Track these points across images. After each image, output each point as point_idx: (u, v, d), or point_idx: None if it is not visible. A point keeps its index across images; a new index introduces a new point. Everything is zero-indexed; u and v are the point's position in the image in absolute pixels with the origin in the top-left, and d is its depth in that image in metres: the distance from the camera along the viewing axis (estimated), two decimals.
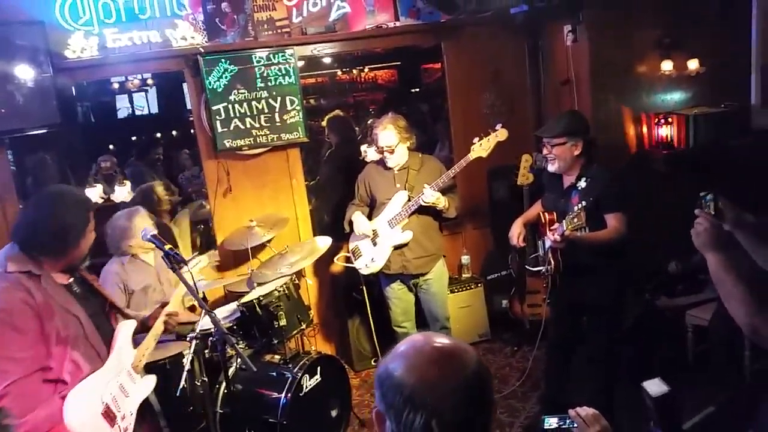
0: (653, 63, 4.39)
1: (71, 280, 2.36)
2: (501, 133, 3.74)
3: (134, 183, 6.00)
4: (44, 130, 4.02)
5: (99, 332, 2.35)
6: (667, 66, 4.32)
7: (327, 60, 7.17)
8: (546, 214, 3.32)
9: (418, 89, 8.97)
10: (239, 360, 3.58)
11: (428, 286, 4.04)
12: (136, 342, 2.54)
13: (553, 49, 4.76)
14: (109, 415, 2.26)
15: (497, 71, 4.83)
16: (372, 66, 8.97)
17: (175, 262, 2.40)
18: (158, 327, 2.56)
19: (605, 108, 4.43)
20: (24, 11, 3.95)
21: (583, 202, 2.95)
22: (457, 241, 4.96)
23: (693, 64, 4.32)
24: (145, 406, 2.55)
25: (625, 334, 3.74)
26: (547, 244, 3.28)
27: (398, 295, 4.11)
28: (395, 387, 1.15)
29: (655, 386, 1.68)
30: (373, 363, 4.70)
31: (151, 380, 2.58)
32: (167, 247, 2.40)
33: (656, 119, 4.39)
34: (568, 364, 3.59)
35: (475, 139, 3.76)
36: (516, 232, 3.59)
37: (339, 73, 8.87)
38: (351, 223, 4.06)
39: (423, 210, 3.84)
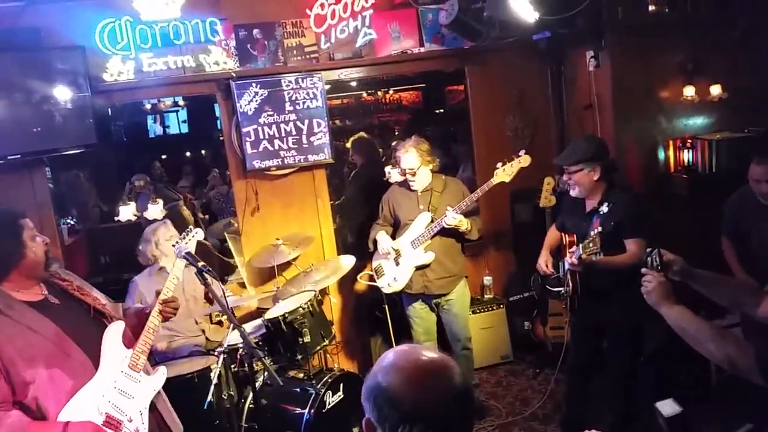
0: (676, 88, 4.42)
1: (45, 293, 2.34)
2: (524, 159, 3.81)
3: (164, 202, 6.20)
4: (81, 150, 4.19)
5: (82, 341, 2.30)
6: (689, 91, 4.36)
7: (353, 82, 7.32)
8: (567, 235, 3.38)
9: (442, 110, 9.09)
10: (265, 375, 3.69)
11: (450, 306, 4.09)
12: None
13: (575, 74, 4.83)
14: (112, 423, 2.26)
15: (520, 95, 4.91)
16: (397, 88, 9.13)
17: (206, 277, 2.49)
18: (154, 318, 2.52)
19: (627, 132, 4.48)
20: (66, 37, 4.14)
21: (599, 228, 3.02)
22: (480, 262, 5.02)
23: (716, 90, 4.35)
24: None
25: (647, 359, 3.74)
26: (566, 266, 3.33)
27: (420, 315, 4.17)
28: (390, 401, 1.20)
29: (668, 407, 1.72)
30: None
31: (161, 374, 2.55)
32: (200, 264, 2.49)
33: (679, 144, 4.42)
34: (589, 387, 3.60)
35: (499, 164, 3.83)
36: (544, 261, 3.61)
37: (364, 94, 9.04)
38: (375, 242, 4.15)
39: (446, 231, 3.91)
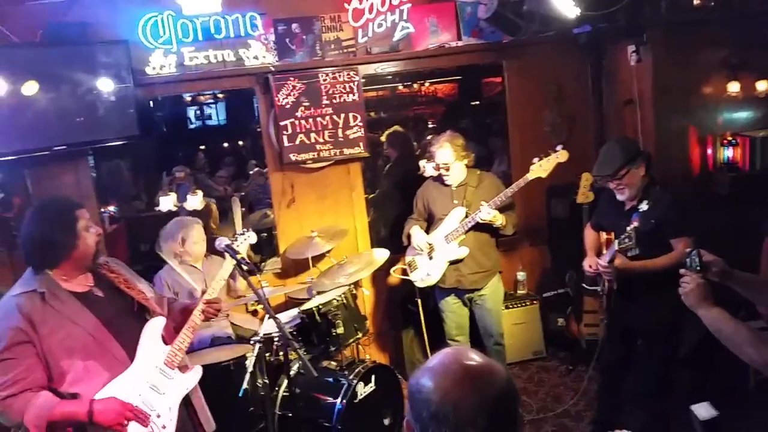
0: (719, 84, 4.33)
1: (92, 284, 2.41)
2: (561, 155, 3.77)
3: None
4: (123, 142, 4.30)
5: (121, 335, 2.37)
6: (734, 87, 4.26)
7: (389, 75, 7.31)
8: (604, 233, 3.32)
9: (478, 102, 9.01)
10: (299, 364, 3.75)
11: (483, 301, 4.09)
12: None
13: (616, 69, 4.75)
14: (139, 417, 2.29)
15: (559, 90, 4.86)
16: (433, 80, 9.08)
17: (247, 270, 2.54)
18: (196, 317, 2.55)
19: (669, 129, 4.40)
20: (110, 31, 4.25)
21: (635, 223, 2.93)
22: (514, 257, 4.99)
23: (762, 86, 4.25)
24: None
25: (683, 359, 3.67)
26: (603, 263, 3.29)
27: (453, 309, 4.17)
28: (423, 402, 1.19)
29: (703, 410, 1.71)
30: None
31: (195, 373, 2.58)
32: (239, 256, 2.55)
33: (721, 141, 4.32)
34: (622, 386, 3.56)
35: (535, 159, 3.80)
36: (588, 263, 3.50)
37: (400, 86, 9.02)
38: (409, 237, 4.17)
39: (480, 226, 3.90)
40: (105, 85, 4.09)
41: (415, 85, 9.14)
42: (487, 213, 3.76)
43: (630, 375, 3.53)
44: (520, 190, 3.90)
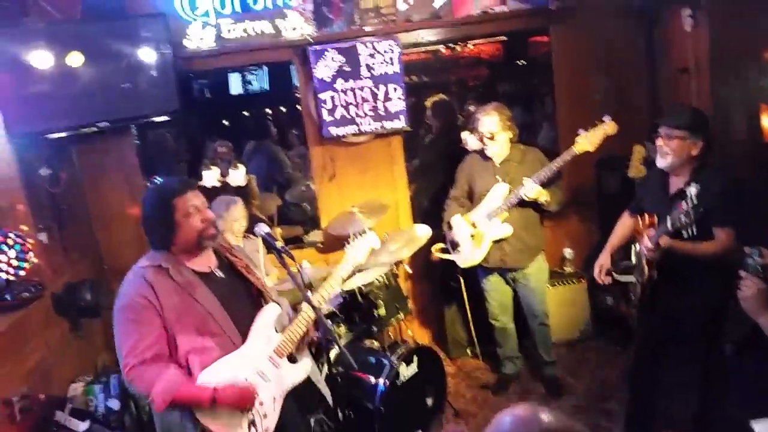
0: None
1: (213, 266, 2.48)
2: (609, 126, 3.55)
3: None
4: (165, 117, 4.28)
5: (237, 317, 2.42)
6: None
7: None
8: (647, 216, 3.05)
9: (524, 62, 8.67)
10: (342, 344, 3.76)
11: (527, 280, 3.99)
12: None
13: (670, 35, 4.44)
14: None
15: (609, 57, 4.60)
16: (476, 41, 8.76)
17: (285, 258, 2.50)
18: (308, 309, 2.55)
19: (726, 98, 4.09)
20: (148, 4, 4.22)
21: (694, 200, 2.69)
22: (560, 233, 4.81)
23: None
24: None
25: (728, 357, 3.45)
26: (642, 250, 3.07)
27: (495, 288, 4.09)
28: None
29: (765, 428, 1.59)
30: (468, 352, 4.74)
31: (304, 366, 2.58)
32: (279, 244, 2.52)
33: None
34: (657, 382, 3.33)
35: (581, 131, 3.59)
36: (600, 266, 3.35)
37: (441, 49, 8.74)
38: (450, 225, 4.07)
39: (524, 203, 3.76)
40: (145, 60, 4.04)
41: (458, 47, 8.85)
42: (531, 189, 3.63)
43: (666, 377, 3.33)
44: (566, 164, 3.73)
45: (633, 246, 3.26)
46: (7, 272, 3.14)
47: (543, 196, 3.70)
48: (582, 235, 4.85)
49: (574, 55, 4.64)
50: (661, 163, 3.03)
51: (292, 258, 2.52)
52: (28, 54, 3.68)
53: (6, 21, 3.75)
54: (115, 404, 3.62)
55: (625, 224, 3.39)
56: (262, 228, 2.58)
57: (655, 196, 3.15)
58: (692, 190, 2.82)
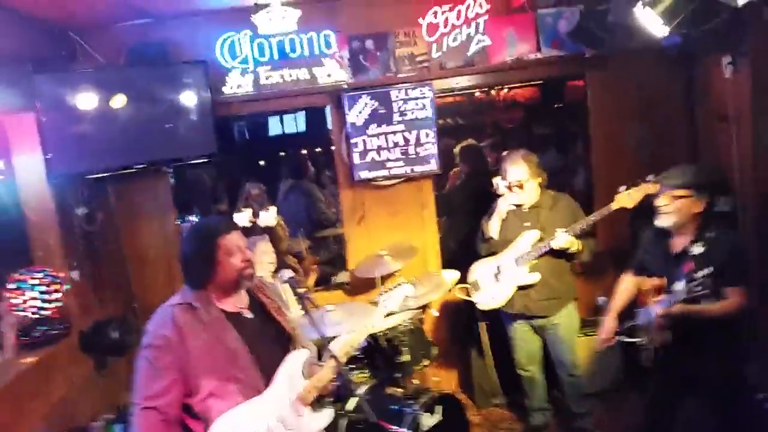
0: None
1: (243, 306, 2.47)
2: (653, 187, 3.40)
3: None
4: (202, 160, 4.39)
5: (262, 361, 2.39)
6: None
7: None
8: (653, 280, 3.01)
9: (561, 105, 8.63)
10: (363, 392, 3.71)
11: (555, 330, 3.90)
12: None
13: (709, 81, 4.38)
14: None
15: (645, 105, 4.55)
16: (512, 85, 8.78)
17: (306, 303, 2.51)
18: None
19: None
20: (189, 51, 4.38)
21: (709, 269, 2.66)
22: (595, 282, 4.70)
23: None
24: None
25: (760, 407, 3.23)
26: (651, 314, 2.99)
27: (522, 337, 4.01)
28: None
29: None
30: (494, 402, 4.61)
31: (325, 416, 2.50)
32: (301, 290, 2.53)
33: None
34: None
35: (622, 188, 3.54)
36: (606, 333, 3.31)
37: (476, 93, 8.79)
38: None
39: (554, 250, 3.71)
40: (184, 105, 4.20)
41: (493, 91, 8.90)
42: (563, 240, 3.58)
43: None
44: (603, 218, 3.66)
45: (640, 311, 3.17)
46: (34, 311, 3.21)
47: (575, 245, 3.65)
48: (616, 283, 4.70)
49: (609, 100, 4.61)
50: (664, 223, 2.99)
51: (314, 304, 2.53)
52: (74, 97, 3.86)
53: (55, 66, 3.94)
54: None
55: (628, 285, 3.34)
56: (285, 273, 2.60)
57: (657, 256, 3.10)
58: (698, 249, 2.83)
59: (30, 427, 2.99)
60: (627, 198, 3.52)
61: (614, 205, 3.52)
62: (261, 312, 2.51)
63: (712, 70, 4.30)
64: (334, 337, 2.66)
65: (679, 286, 2.81)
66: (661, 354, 3.03)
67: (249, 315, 2.47)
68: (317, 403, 2.48)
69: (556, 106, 8.62)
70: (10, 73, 3.64)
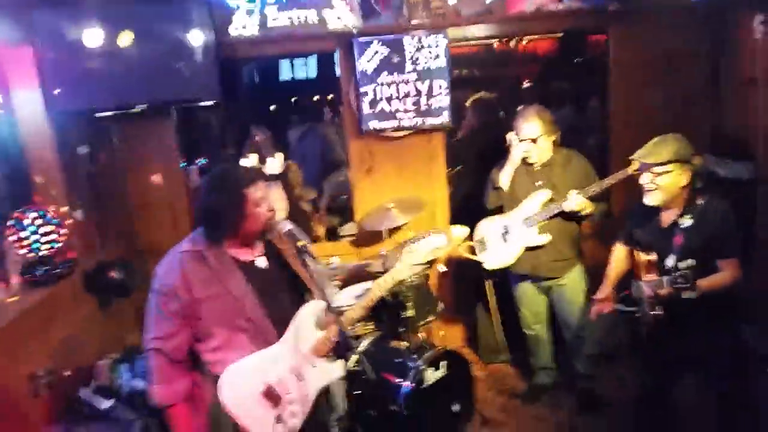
0: None
1: (257, 254, 2.41)
2: (633, 165, 3.28)
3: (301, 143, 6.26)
4: (207, 103, 4.25)
5: (275, 311, 2.35)
6: None
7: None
8: (642, 254, 2.92)
9: (581, 59, 8.34)
10: (369, 340, 3.70)
11: (562, 291, 3.84)
12: None
13: (739, 42, 4.16)
14: (270, 396, 2.29)
15: (669, 64, 4.33)
16: (532, 36, 8.48)
17: (306, 257, 2.42)
18: (356, 311, 2.56)
19: None
20: None
21: (691, 261, 2.66)
22: (606, 246, 4.58)
23: None
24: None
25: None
26: (642, 290, 2.91)
27: (528, 296, 3.96)
28: None
29: None
30: (501, 357, 4.59)
31: (335, 368, 2.50)
32: (300, 243, 2.42)
33: None
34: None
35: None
36: (601, 301, 3.24)
37: (495, 42, 8.50)
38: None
39: (565, 212, 3.61)
40: (188, 44, 4.00)
41: (512, 42, 8.60)
42: (576, 203, 3.47)
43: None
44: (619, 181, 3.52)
45: (634, 283, 3.08)
46: (27, 250, 3.18)
47: (588, 208, 3.54)
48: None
49: (632, 57, 4.39)
50: (649, 201, 2.91)
51: (313, 258, 2.45)
52: (73, 32, 3.71)
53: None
54: (140, 384, 3.62)
55: (620, 255, 3.28)
56: (285, 225, 2.51)
57: (648, 230, 3.01)
58: (686, 221, 2.78)
59: (34, 367, 2.99)
60: None
61: (631, 170, 3.38)
62: (277, 260, 2.43)
63: (743, 30, 4.08)
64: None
65: (671, 261, 2.79)
66: (655, 329, 2.95)
67: (263, 264, 2.41)
68: (330, 355, 2.45)
69: (575, 60, 8.35)
70: (8, 5, 3.50)
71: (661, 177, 2.82)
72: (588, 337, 3.97)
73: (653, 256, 2.88)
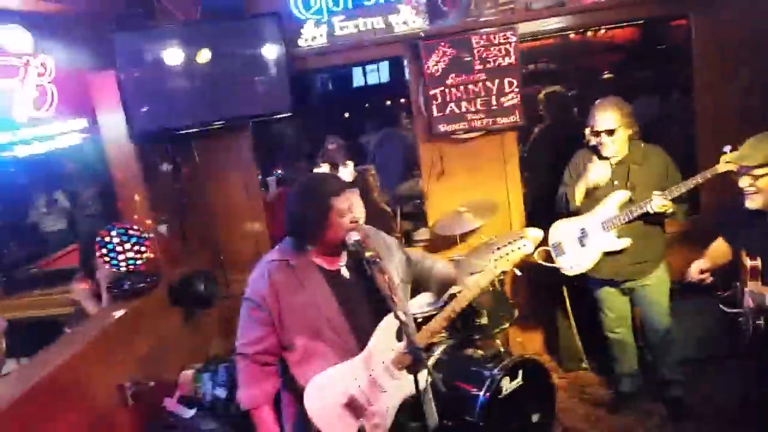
0: None
1: (342, 263, 2.43)
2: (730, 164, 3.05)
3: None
4: (281, 115, 4.32)
5: (357, 322, 2.36)
6: None
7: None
8: (748, 258, 2.68)
9: (663, 46, 7.91)
10: (442, 348, 3.64)
11: (645, 292, 3.64)
12: None
13: None
14: (353, 408, 2.30)
15: (757, 50, 4.02)
16: (610, 26, 8.12)
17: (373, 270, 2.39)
18: (438, 320, 2.50)
19: None
20: (263, 3, 4.29)
21: None
22: (693, 243, 4.30)
23: None
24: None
25: None
26: (748, 300, 2.68)
27: (610, 299, 3.77)
28: None
29: None
30: (583, 365, 4.41)
31: (421, 378, 2.36)
32: (368, 254, 2.39)
33: None
34: None
35: (727, 148, 3.12)
36: (698, 267, 3.04)
37: (570, 34, 8.20)
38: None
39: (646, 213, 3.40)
40: (260, 59, 4.11)
41: (589, 33, 8.27)
42: (660, 204, 3.27)
43: None
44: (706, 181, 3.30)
45: (738, 284, 2.86)
46: (124, 263, 3.34)
47: (671, 208, 3.34)
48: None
49: (717, 45, 4.12)
50: (751, 204, 2.71)
51: (382, 272, 2.41)
52: (152, 53, 3.88)
53: (133, 23, 3.97)
54: (222, 393, 3.72)
55: (721, 248, 3.05)
56: (353, 236, 2.49)
57: (753, 236, 2.77)
58: None
59: (121, 378, 3.13)
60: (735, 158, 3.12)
61: (721, 168, 3.14)
62: (359, 269, 2.41)
63: None
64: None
65: None
66: (758, 337, 2.74)
67: (347, 274, 2.43)
68: (412, 366, 2.37)
69: (657, 47, 7.93)
70: (92, 31, 3.71)
71: (762, 179, 2.64)
72: (678, 340, 3.75)
73: (758, 262, 2.67)
